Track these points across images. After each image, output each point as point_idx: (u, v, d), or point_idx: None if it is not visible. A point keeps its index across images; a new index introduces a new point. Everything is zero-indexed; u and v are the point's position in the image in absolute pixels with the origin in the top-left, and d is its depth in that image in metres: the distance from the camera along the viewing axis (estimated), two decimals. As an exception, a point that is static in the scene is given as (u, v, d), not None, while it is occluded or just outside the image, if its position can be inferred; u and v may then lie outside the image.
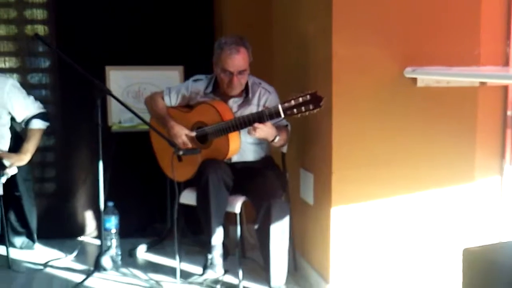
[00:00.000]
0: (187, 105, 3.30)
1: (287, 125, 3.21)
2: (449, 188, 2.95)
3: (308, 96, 2.78)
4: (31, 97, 3.59)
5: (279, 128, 3.13)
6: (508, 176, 2.95)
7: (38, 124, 3.57)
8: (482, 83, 2.83)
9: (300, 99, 2.80)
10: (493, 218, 3.00)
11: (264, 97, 3.19)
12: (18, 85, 3.57)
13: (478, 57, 2.87)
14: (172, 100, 3.31)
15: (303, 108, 2.80)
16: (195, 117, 3.19)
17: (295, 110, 2.82)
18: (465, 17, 2.87)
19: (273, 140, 3.06)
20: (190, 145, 3.17)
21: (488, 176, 2.97)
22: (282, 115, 2.86)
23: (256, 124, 2.92)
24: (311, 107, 2.78)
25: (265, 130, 2.96)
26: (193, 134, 3.18)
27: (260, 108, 3.13)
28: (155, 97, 3.35)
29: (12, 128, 3.61)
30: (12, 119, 3.57)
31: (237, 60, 3.08)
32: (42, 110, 3.60)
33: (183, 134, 3.17)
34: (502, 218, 2.99)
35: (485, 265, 1.75)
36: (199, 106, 3.20)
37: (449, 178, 2.95)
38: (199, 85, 3.27)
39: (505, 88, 2.93)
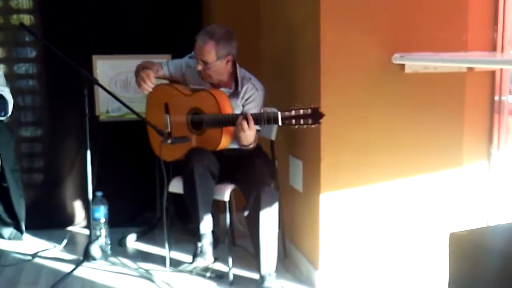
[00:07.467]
0: (188, 88, 3.25)
1: (259, 130, 3.20)
2: (437, 173, 2.96)
3: (309, 110, 2.75)
4: (8, 88, 3.53)
5: None
6: (496, 161, 2.96)
7: None
8: (470, 69, 2.84)
9: (301, 111, 2.76)
10: (481, 203, 3.02)
11: (250, 92, 3.14)
12: (2, 74, 3.55)
13: (465, 43, 2.87)
14: (170, 68, 3.29)
15: (301, 121, 2.77)
16: (194, 102, 3.16)
17: (293, 121, 2.79)
18: (453, 3, 2.87)
19: (244, 145, 3.05)
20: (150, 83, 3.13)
21: (476, 161, 2.98)
22: (280, 123, 2.83)
23: (247, 125, 2.89)
24: (309, 121, 2.75)
25: (247, 134, 2.93)
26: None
27: (242, 102, 3.13)
28: (150, 61, 3.30)
29: None
30: None
31: (200, 50, 3.08)
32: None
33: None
34: (490, 203, 3.01)
35: (472, 249, 1.75)
36: (200, 92, 3.16)
37: (437, 163, 2.96)
38: (194, 62, 3.22)
39: (493, 73, 2.94)
